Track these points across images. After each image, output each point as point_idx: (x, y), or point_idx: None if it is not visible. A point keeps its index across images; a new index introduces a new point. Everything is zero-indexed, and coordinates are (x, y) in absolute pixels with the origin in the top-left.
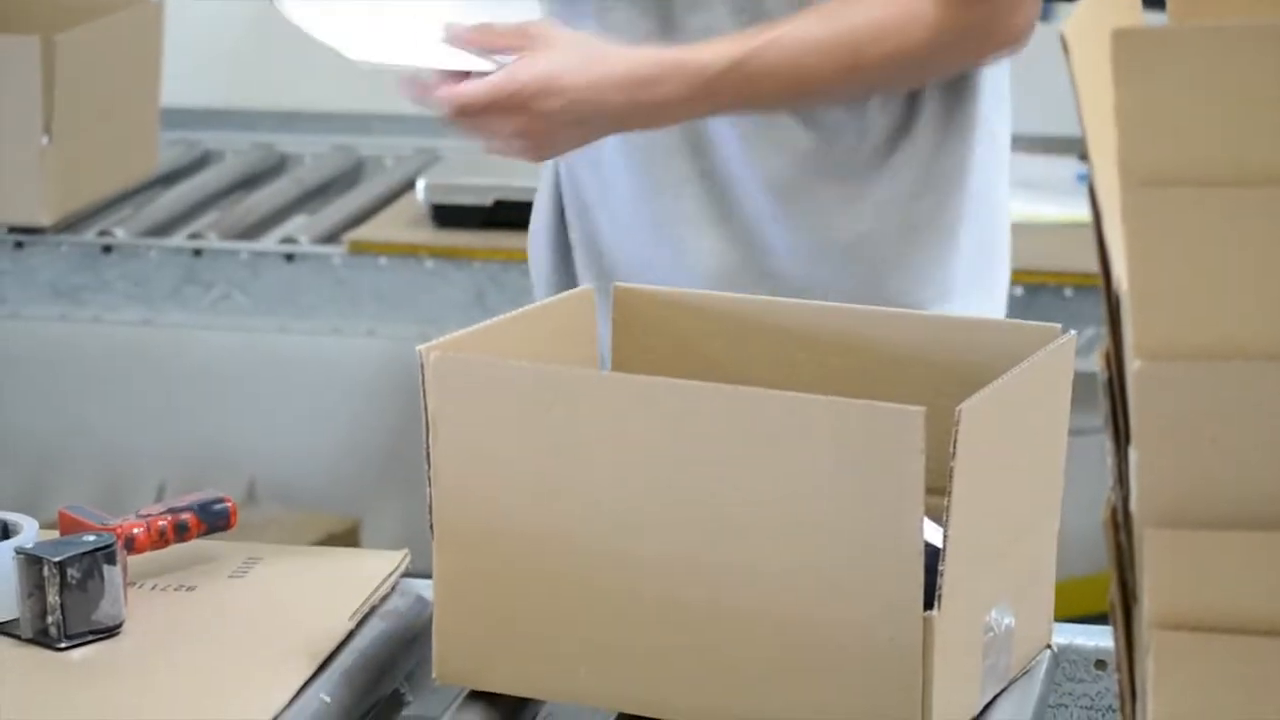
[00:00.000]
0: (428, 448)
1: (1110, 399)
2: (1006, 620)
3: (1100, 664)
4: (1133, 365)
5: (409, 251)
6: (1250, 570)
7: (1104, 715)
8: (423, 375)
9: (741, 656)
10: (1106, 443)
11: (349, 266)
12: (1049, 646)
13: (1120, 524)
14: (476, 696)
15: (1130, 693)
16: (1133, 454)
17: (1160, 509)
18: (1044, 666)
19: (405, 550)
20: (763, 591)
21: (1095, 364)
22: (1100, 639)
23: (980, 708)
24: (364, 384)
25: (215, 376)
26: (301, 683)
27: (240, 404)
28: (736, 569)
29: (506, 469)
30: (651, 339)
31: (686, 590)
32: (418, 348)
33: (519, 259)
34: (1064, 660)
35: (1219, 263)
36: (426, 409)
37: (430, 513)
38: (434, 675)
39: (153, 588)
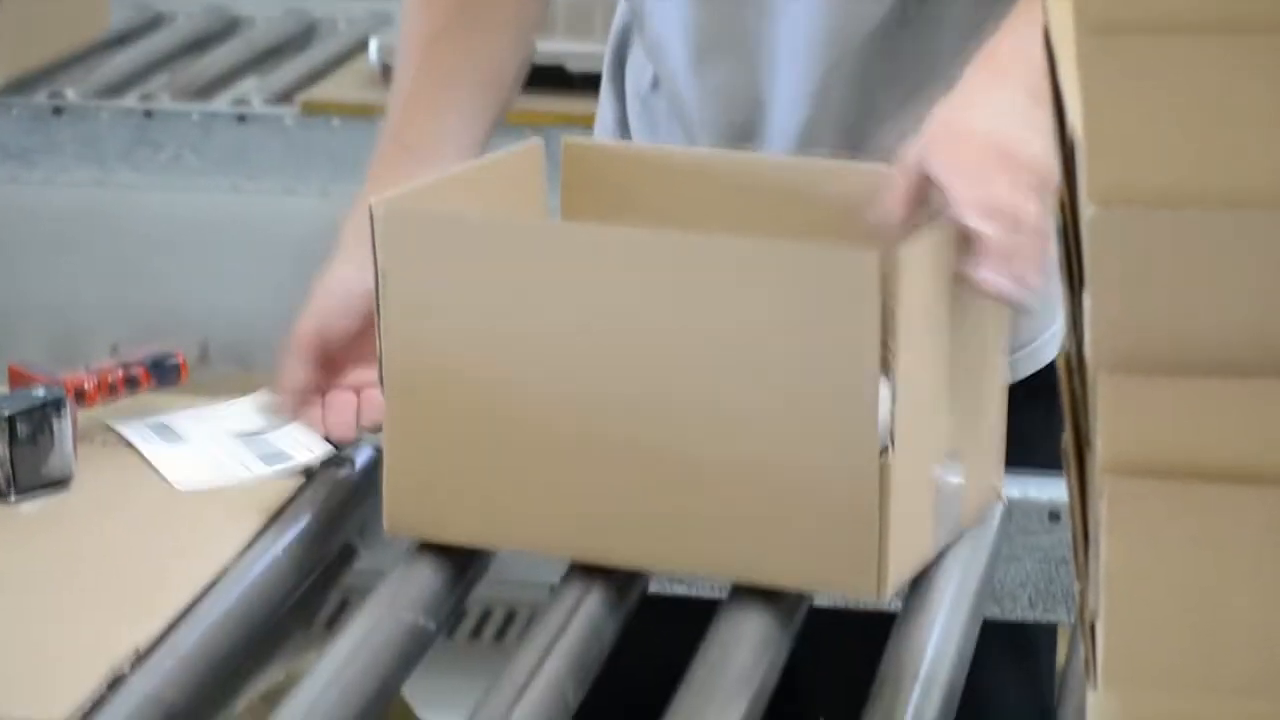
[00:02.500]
0: (377, 301)
1: (1064, 245)
2: (954, 473)
3: (1054, 516)
4: (1086, 211)
5: (361, 112)
6: (1203, 416)
7: (1057, 567)
8: (372, 229)
9: (696, 502)
10: (1061, 289)
11: (301, 127)
12: (1000, 498)
13: (1074, 370)
14: (428, 548)
15: (1083, 540)
16: (1086, 299)
17: (1113, 354)
18: (996, 519)
19: None
20: (717, 437)
21: None
22: (1053, 491)
23: (934, 552)
24: (317, 244)
25: (167, 238)
26: (252, 535)
27: (192, 265)
28: (690, 415)
29: (456, 320)
30: (601, 192)
31: (639, 438)
32: (368, 201)
33: None
34: (1017, 512)
35: (1175, 110)
36: (376, 263)
37: (380, 366)
38: (385, 528)
39: (103, 443)
